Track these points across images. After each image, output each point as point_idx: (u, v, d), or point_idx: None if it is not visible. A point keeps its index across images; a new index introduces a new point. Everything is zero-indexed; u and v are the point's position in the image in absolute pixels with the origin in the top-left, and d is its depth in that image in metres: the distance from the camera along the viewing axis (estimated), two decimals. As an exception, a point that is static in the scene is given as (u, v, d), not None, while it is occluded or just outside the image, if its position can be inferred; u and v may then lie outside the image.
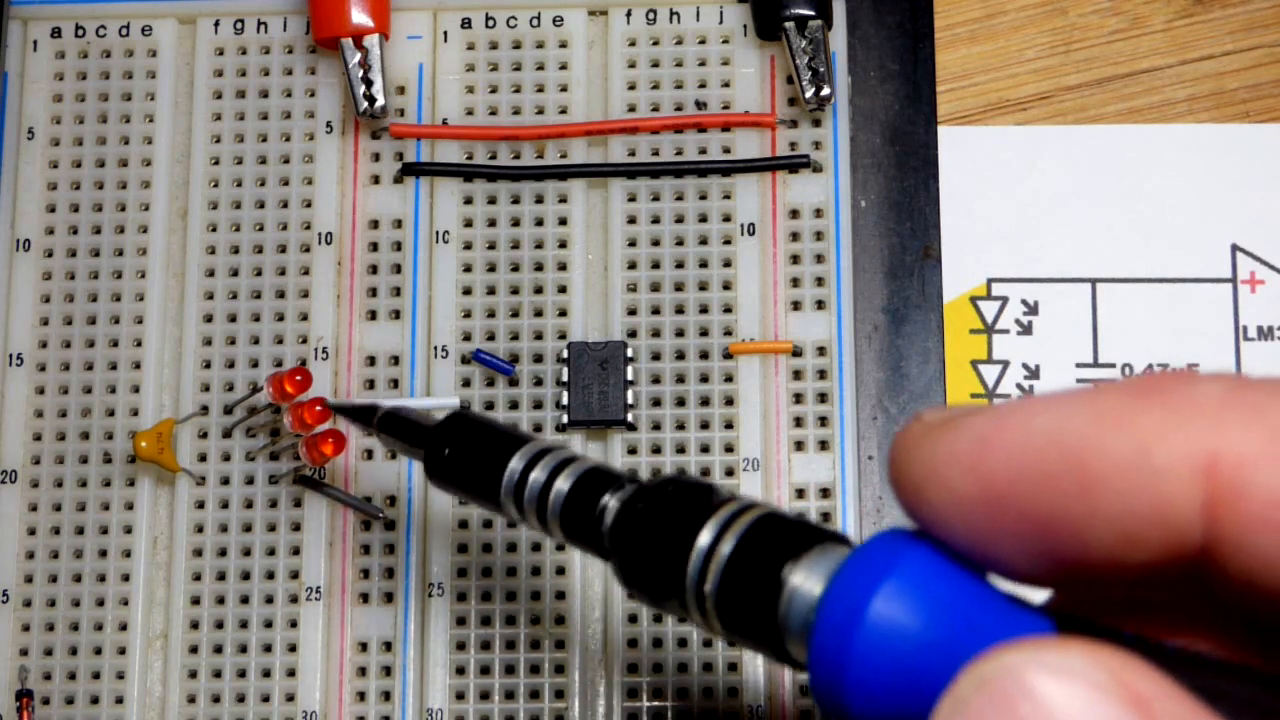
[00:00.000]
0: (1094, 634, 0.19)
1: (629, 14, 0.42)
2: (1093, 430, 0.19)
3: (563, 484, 0.27)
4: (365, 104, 0.40)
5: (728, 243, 0.40)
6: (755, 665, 0.38)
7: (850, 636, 0.19)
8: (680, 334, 0.40)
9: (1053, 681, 0.17)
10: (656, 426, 0.40)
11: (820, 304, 0.40)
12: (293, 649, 0.39)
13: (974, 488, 0.19)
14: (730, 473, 0.39)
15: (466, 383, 0.40)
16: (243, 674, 0.39)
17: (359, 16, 0.40)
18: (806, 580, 0.21)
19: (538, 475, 0.27)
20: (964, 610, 0.19)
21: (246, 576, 0.39)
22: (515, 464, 0.28)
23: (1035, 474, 0.19)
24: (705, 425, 0.39)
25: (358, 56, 0.40)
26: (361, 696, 0.39)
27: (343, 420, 0.38)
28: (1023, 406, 0.19)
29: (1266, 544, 0.18)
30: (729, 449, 0.39)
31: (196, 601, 0.39)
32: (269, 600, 0.39)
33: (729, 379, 0.40)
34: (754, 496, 0.24)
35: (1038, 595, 0.21)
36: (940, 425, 0.20)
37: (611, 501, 0.26)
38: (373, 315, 0.41)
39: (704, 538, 0.22)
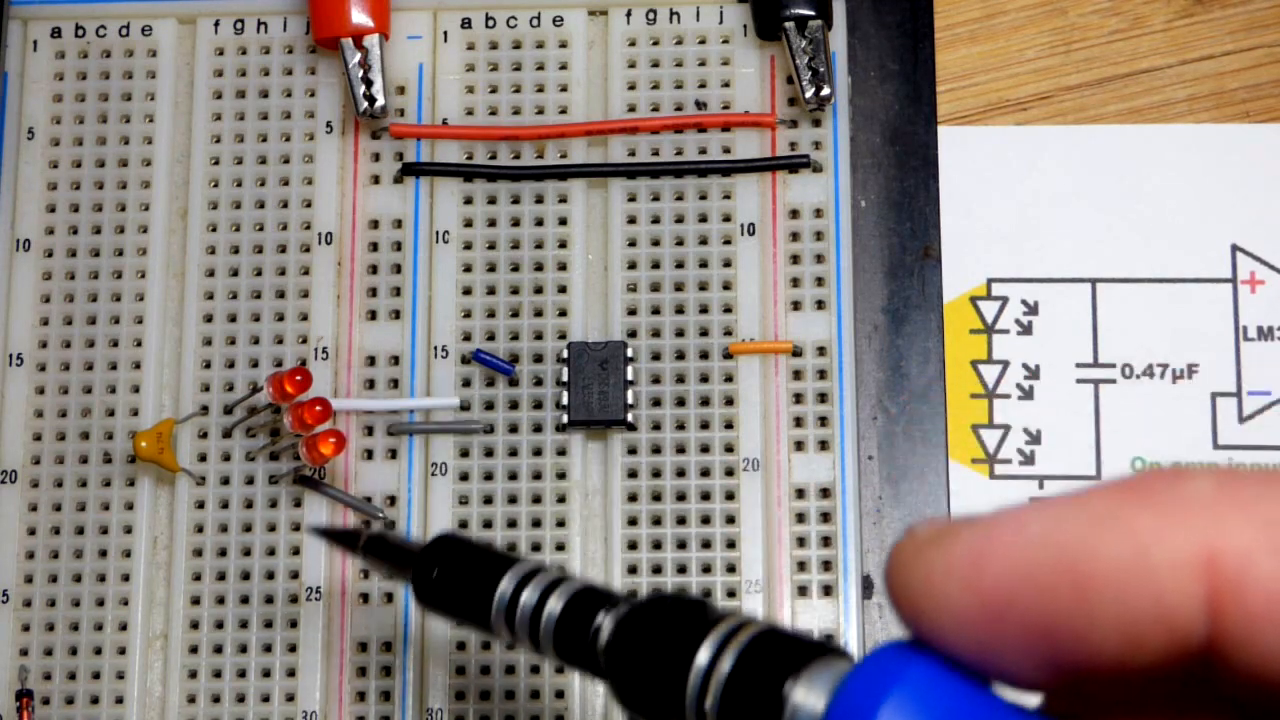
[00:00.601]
0: None
1: (629, 14, 0.42)
2: (1087, 535, 0.19)
3: (555, 604, 0.27)
4: (365, 104, 0.40)
5: (728, 243, 0.40)
6: None
7: None
8: (680, 334, 0.40)
9: None
10: (656, 426, 0.40)
11: (820, 304, 0.40)
12: (293, 649, 0.39)
13: (972, 601, 0.19)
14: (730, 473, 0.39)
15: (466, 383, 0.40)
16: (243, 674, 0.39)
17: (359, 16, 0.40)
18: (809, 696, 0.21)
19: (529, 596, 0.27)
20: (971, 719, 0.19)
21: (246, 576, 0.39)
22: (505, 585, 0.28)
23: (1032, 583, 0.19)
24: (705, 425, 0.39)
25: (358, 56, 0.40)
26: (361, 696, 0.39)
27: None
28: (1014, 516, 0.19)
29: (1270, 638, 0.18)
30: (729, 449, 0.39)
31: (196, 601, 0.39)
32: (269, 600, 0.39)
33: (729, 379, 0.40)
34: (751, 614, 0.24)
35: (1035, 699, 0.21)
36: (933, 540, 0.20)
37: (606, 621, 0.25)
38: (373, 315, 0.41)
39: (702, 655, 0.22)
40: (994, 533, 0.19)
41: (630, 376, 0.40)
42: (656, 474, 0.39)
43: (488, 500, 0.39)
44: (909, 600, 0.20)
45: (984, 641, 0.19)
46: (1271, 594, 0.18)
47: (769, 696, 0.21)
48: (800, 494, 0.39)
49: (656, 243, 0.40)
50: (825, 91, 0.40)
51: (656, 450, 0.39)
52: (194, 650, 0.39)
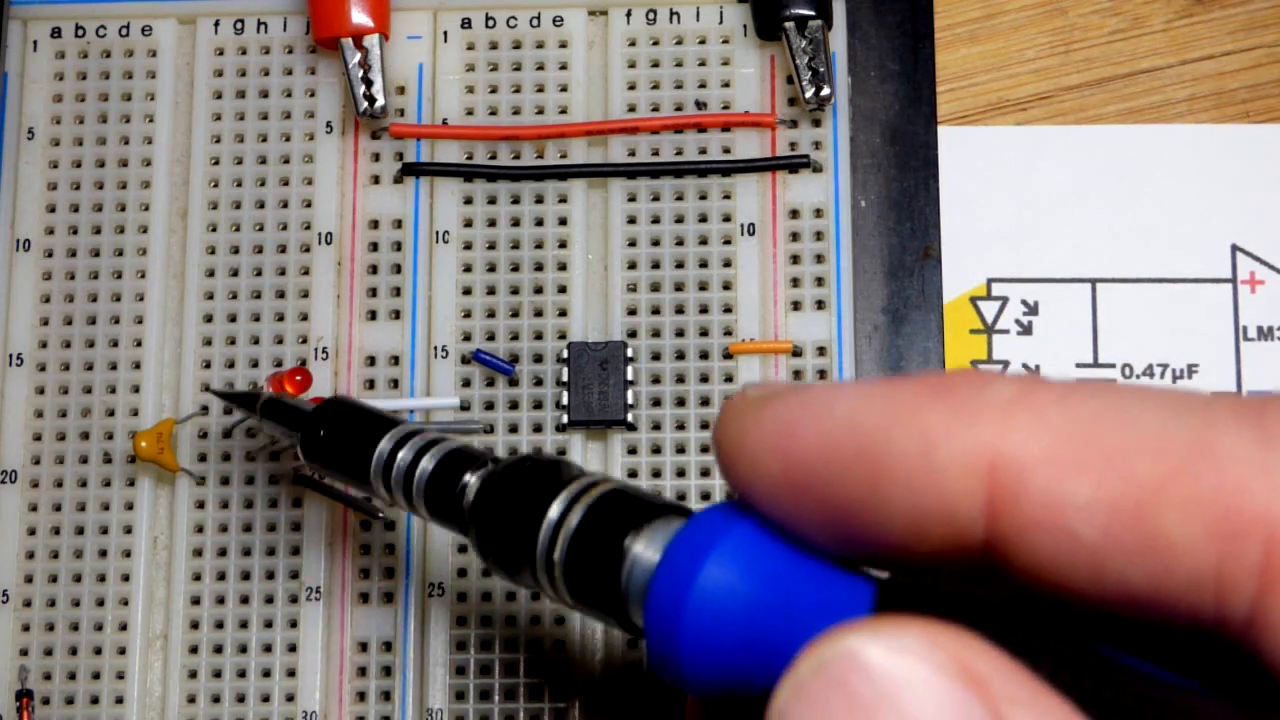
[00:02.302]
0: (921, 601, 0.19)
1: (629, 14, 0.42)
2: (884, 424, 0.19)
3: (427, 463, 0.28)
4: (365, 104, 0.40)
5: (728, 243, 0.40)
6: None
7: (681, 602, 0.20)
8: (680, 334, 0.40)
9: (890, 662, 0.17)
10: (656, 426, 0.40)
11: (820, 304, 0.40)
12: (293, 649, 0.39)
13: (778, 470, 0.20)
14: (730, 473, 0.39)
15: (466, 383, 0.40)
16: (243, 674, 0.39)
17: (359, 16, 0.40)
18: (646, 549, 0.22)
19: (405, 455, 0.29)
20: (789, 576, 0.20)
21: (246, 576, 0.39)
22: (384, 445, 0.29)
23: (831, 461, 0.20)
24: (705, 425, 0.39)
25: (358, 56, 0.40)
26: (361, 696, 0.39)
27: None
28: (826, 393, 0.20)
29: (1043, 545, 0.18)
30: (729, 449, 0.39)
31: (196, 601, 0.39)
32: (269, 600, 0.39)
33: (729, 379, 0.40)
34: (606, 473, 0.25)
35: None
36: (755, 405, 0.21)
37: (472, 479, 0.27)
38: (373, 315, 0.41)
39: (554, 510, 0.23)
40: (804, 408, 0.20)
41: (630, 376, 0.40)
42: (656, 474, 0.39)
43: (488, 500, 0.39)
44: (729, 460, 0.21)
45: (789, 510, 0.20)
46: (1044, 502, 0.18)
47: (611, 549, 0.22)
48: (800, 494, 0.39)
49: (656, 243, 0.41)
50: (825, 91, 0.40)
51: (656, 450, 0.39)
52: (194, 650, 0.39)
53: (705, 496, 0.39)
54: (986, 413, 0.19)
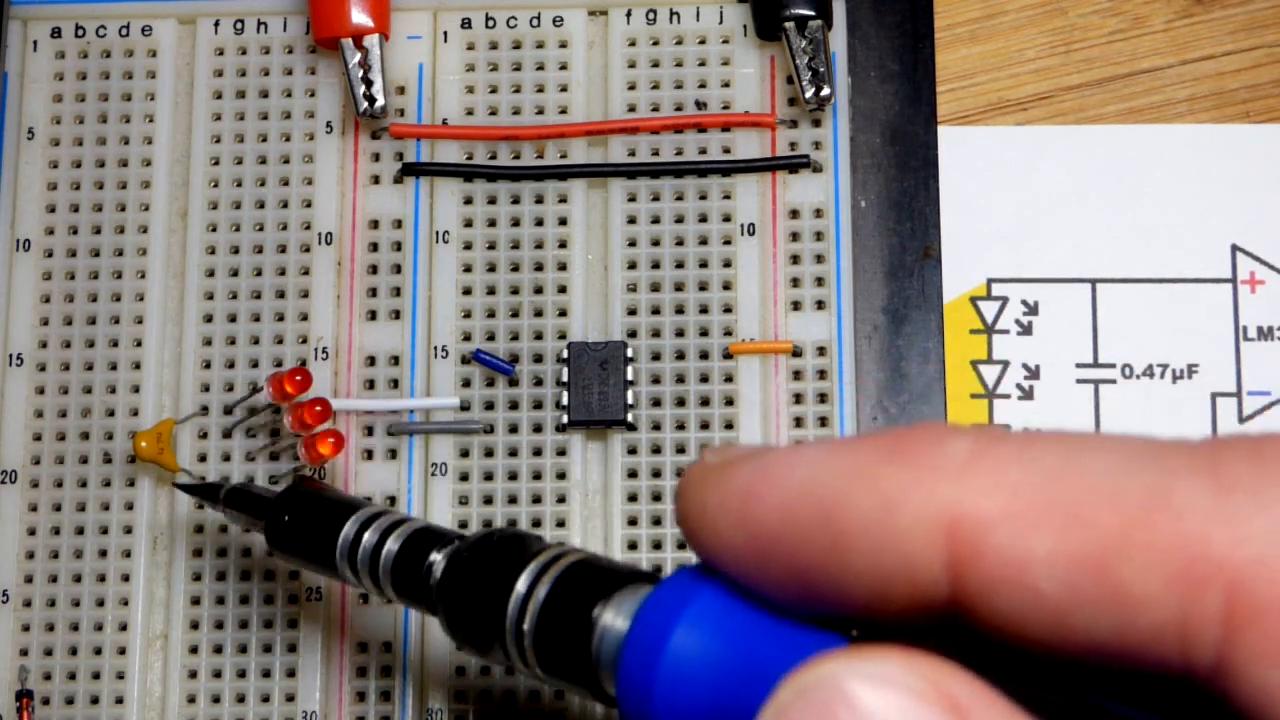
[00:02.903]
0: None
1: (629, 14, 0.42)
2: (843, 486, 0.19)
3: (392, 544, 0.28)
4: (365, 104, 0.40)
5: (728, 243, 0.40)
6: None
7: (652, 669, 0.20)
8: (680, 334, 0.40)
9: (870, 689, 0.17)
10: (656, 426, 0.40)
11: (820, 304, 0.40)
12: (293, 649, 0.39)
13: (741, 535, 0.20)
14: (730, 473, 0.39)
15: (466, 383, 0.40)
16: (243, 674, 0.39)
17: (359, 16, 0.40)
18: (615, 618, 0.22)
19: (369, 538, 0.29)
20: (758, 638, 0.20)
21: (247, 576, 0.39)
22: (349, 529, 0.29)
23: (792, 525, 0.20)
24: (705, 425, 0.39)
25: (358, 56, 0.40)
26: (361, 696, 0.39)
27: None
28: (784, 458, 0.20)
29: (1007, 601, 0.18)
30: (729, 449, 0.39)
31: (196, 601, 0.39)
32: (269, 600, 0.39)
33: (729, 379, 0.40)
34: (573, 544, 0.25)
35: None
36: (714, 472, 0.21)
37: (438, 557, 0.27)
38: (373, 315, 0.41)
39: (521, 584, 0.24)
40: (764, 474, 0.20)
41: (630, 376, 0.40)
42: (656, 474, 0.39)
43: (488, 500, 0.39)
44: (690, 526, 0.21)
45: (754, 574, 0.20)
46: (1005, 558, 0.18)
47: (579, 620, 0.22)
48: (800, 494, 0.39)
49: (656, 243, 0.40)
50: (825, 91, 0.40)
51: (656, 450, 0.39)
52: (194, 650, 0.39)
53: (705, 496, 0.39)
54: (944, 471, 0.19)
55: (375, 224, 0.41)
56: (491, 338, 0.40)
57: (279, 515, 0.31)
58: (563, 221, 0.41)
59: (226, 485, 0.34)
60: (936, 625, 0.20)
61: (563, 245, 0.41)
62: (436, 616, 0.27)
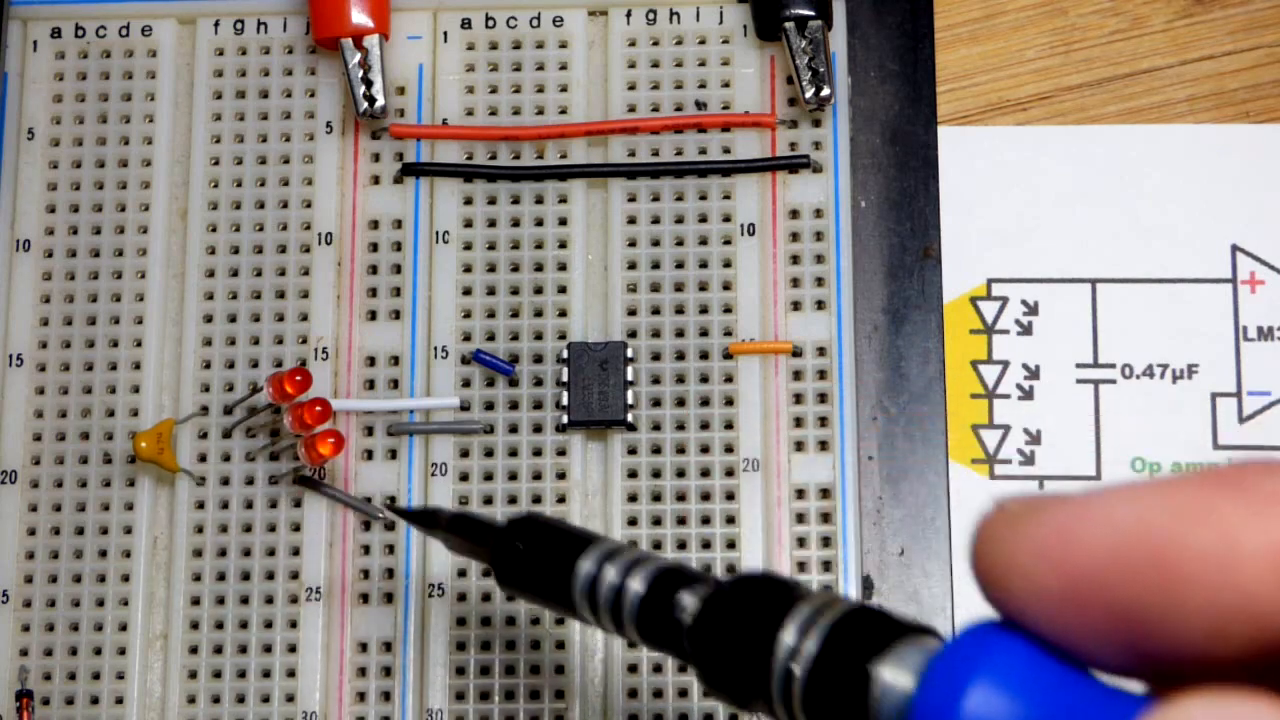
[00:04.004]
0: None
1: (629, 14, 0.42)
2: (1177, 523, 0.19)
3: (638, 584, 0.26)
4: (365, 104, 0.40)
5: (728, 243, 0.40)
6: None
7: None
8: (680, 334, 0.40)
9: None
10: (656, 426, 0.39)
11: (820, 304, 0.40)
12: (293, 649, 0.39)
13: (1057, 582, 0.19)
14: (730, 473, 0.39)
15: (466, 383, 0.40)
16: (243, 674, 0.39)
17: (359, 16, 0.40)
18: (897, 675, 0.20)
19: (611, 575, 0.27)
20: (1057, 698, 0.19)
21: (246, 576, 0.39)
22: (588, 564, 0.27)
23: (1119, 568, 0.19)
24: (705, 425, 0.39)
25: (358, 56, 0.40)
26: (361, 696, 0.39)
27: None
28: (1104, 499, 0.19)
29: None
30: (729, 449, 0.39)
31: (196, 601, 0.39)
32: (269, 600, 0.39)
33: (729, 379, 0.40)
34: (836, 592, 0.23)
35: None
36: (1022, 517, 0.20)
37: (689, 601, 0.25)
38: (373, 315, 0.41)
39: (789, 636, 0.22)
40: (1083, 514, 0.19)
41: (630, 377, 0.40)
42: (656, 474, 0.39)
43: (488, 500, 0.39)
44: (993, 575, 0.20)
45: (1069, 624, 0.19)
46: None
47: (856, 676, 0.21)
48: (800, 494, 0.39)
49: (656, 243, 0.40)
50: (825, 92, 0.40)
51: (656, 450, 0.39)
52: (194, 650, 0.39)
53: (705, 497, 0.39)
54: None
55: (375, 224, 0.41)
56: (491, 338, 0.40)
57: (510, 543, 0.29)
58: (563, 221, 0.41)
59: (447, 513, 0.32)
60: (1268, 671, 0.19)
61: (563, 245, 0.41)
62: (688, 664, 0.25)
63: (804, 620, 0.22)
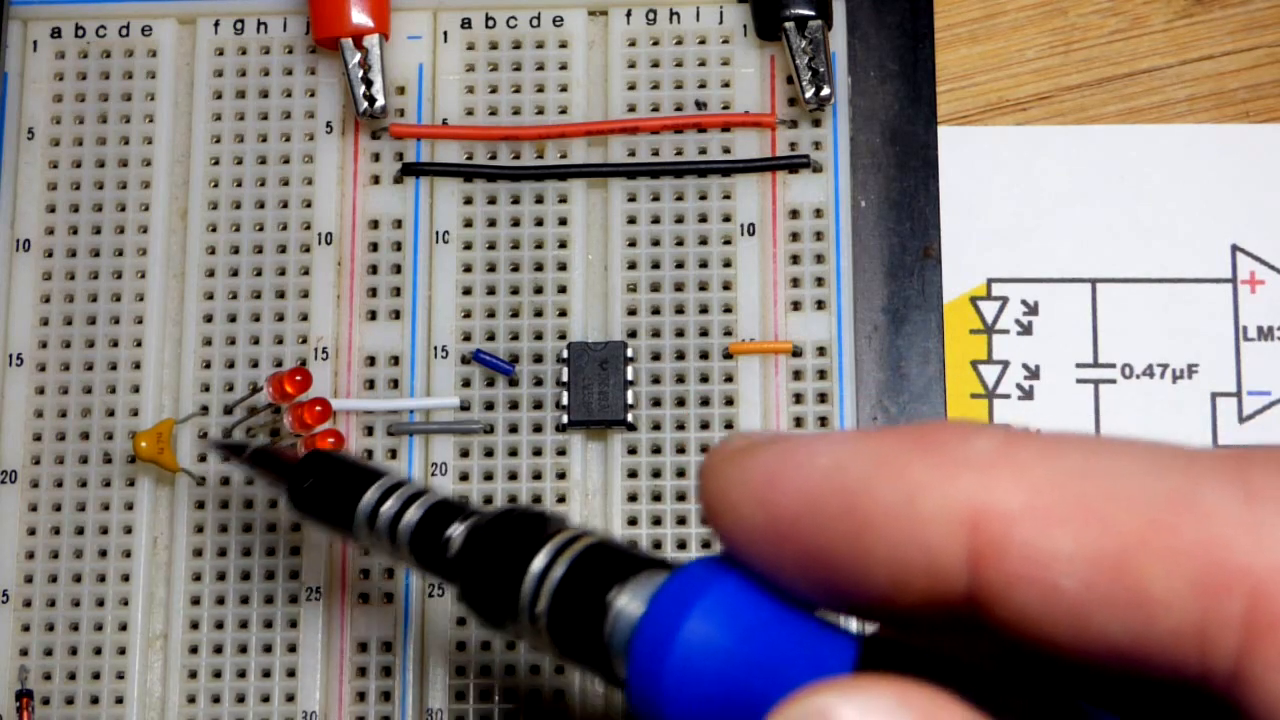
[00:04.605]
0: (904, 658, 0.20)
1: (629, 14, 0.42)
2: (868, 475, 0.19)
3: (413, 514, 0.28)
4: (365, 104, 0.40)
5: (728, 243, 0.40)
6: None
7: (664, 655, 0.20)
8: (680, 334, 0.40)
9: None
10: (656, 426, 0.40)
11: (820, 304, 0.40)
12: (293, 649, 0.39)
13: (761, 519, 0.20)
14: (730, 473, 0.39)
15: (466, 383, 0.40)
16: (243, 674, 0.39)
17: (359, 16, 0.40)
18: (630, 603, 0.22)
19: (391, 506, 0.29)
20: (772, 631, 0.20)
21: (246, 576, 0.39)
22: (370, 496, 0.29)
23: (814, 512, 0.20)
24: (705, 425, 0.39)
25: (358, 56, 0.40)
26: (361, 696, 0.39)
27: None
28: (808, 444, 0.20)
29: (1026, 598, 0.18)
30: (729, 449, 0.39)
31: (196, 601, 0.39)
32: (269, 600, 0.39)
33: (729, 379, 0.40)
34: (589, 526, 0.25)
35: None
36: (738, 455, 0.21)
37: (457, 530, 0.27)
38: (373, 315, 0.41)
39: (538, 562, 0.24)
40: (787, 458, 0.20)
41: (630, 376, 0.40)
42: (656, 474, 0.39)
43: (488, 500, 0.39)
44: (712, 508, 0.21)
45: (772, 559, 0.20)
46: (1026, 555, 0.18)
47: (594, 602, 0.22)
48: (800, 494, 0.39)
49: (656, 243, 0.41)
50: (825, 91, 0.40)
51: (656, 450, 0.39)
52: (194, 650, 0.39)
53: (705, 496, 0.39)
54: (970, 465, 0.19)
55: (375, 224, 0.41)
56: (491, 338, 0.40)
57: (302, 478, 0.31)
58: (563, 221, 0.41)
59: (253, 444, 0.35)
60: (951, 622, 0.20)
61: (563, 245, 0.41)
62: (452, 585, 0.27)
63: (554, 550, 0.24)
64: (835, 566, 0.20)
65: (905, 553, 0.19)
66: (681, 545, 0.39)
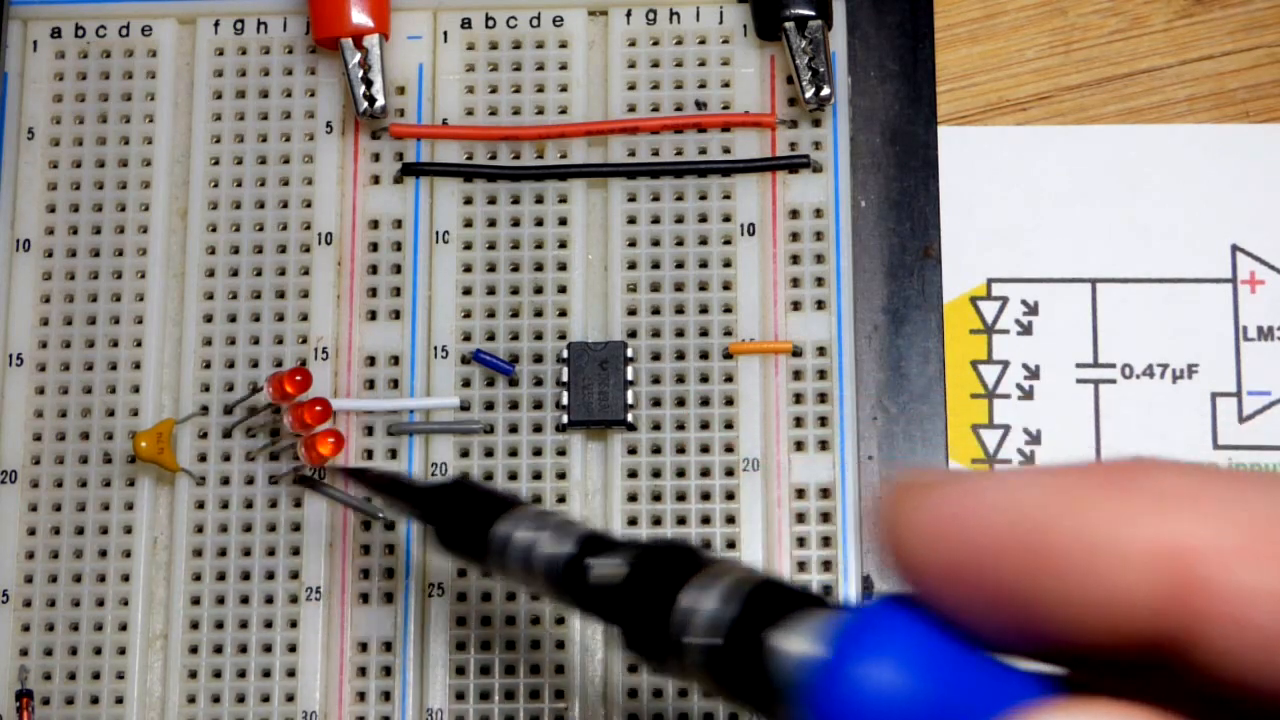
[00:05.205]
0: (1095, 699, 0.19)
1: (629, 14, 0.42)
2: (1060, 511, 0.19)
3: (561, 548, 0.27)
4: (365, 104, 0.40)
5: (728, 243, 0.40)
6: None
7: (855, 700, 0.19)
8: (680, 334, 0.40)
9: None
10: (656, 426, 0.40)
11: (820, 304, 0.40)
12: (293, 649, 0.39)
13: (947, 559, 0.20)
14: (730, 473, 0.39)
15: (466, 383, 0.40)
16: (243, 674, 0.39)
17: (359, 16, 0.40)
18: (806, 644, 0.21)
19: (534, 537, 0.28)
20: (961, 674, 0.20)
21: (246, 576, 0.39)
22: (510, 525, 0.28)
23: (1004, 551, 0.19)
24: (705, 425, 0.39)
25: (358, 56, 0.40)
26: (361, 696, 0.39)
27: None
28: (996, 481, 0.20)
29: (1231, 640, 0.18)
30: (729, 449, 0.39)
31: (196, 601, 0.39)
32: (269, 600, 0.39)
33: (729, 379, 0.40)
34: (748, 562, 0.24)
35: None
36: (923, 491, 0.20)
37: (609, 565, 0.26)
38: (373, 315, 0.41)
39: (701, 600, 0.23)
40: (979, 493, 0.20)
41: (630, 376, 0.40)
42: (656, 474, 0.39)
43: (488, 500, 0.39)
44: (895, 548, 0.20)
45: (963, 601, 0.20)
46: (1232, 594, 0.18)
47: (763, 641, 0.21)
48: (800, 494, 0.39)
49: (656, 243, 0.41)
50: (825, 91, 0.40)
51: (656, 450, 0.39)
52: (194, 650, 0.39)
53: (705, 496, 0.39)
54: (1168, 501, 0.18)
55: (375, 224, 0.41)
56: (491, 338, 0.40)
57: (437, 505, 0.31)
58: (563, 221, 0.41)
59: (380, 471, 0.34)
60: (1140, 663, 0.19)
61: (563, 245, 0.41)
62: (607, 625, 0.26)
63: (713, 586, 0.23)
64: (1026, 606, 0.19)
65: (1100, 591, 0.18)
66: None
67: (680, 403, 0.40)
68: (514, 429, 0.40)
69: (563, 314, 0.40)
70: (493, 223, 0.41)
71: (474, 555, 0.29)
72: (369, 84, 0.40)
